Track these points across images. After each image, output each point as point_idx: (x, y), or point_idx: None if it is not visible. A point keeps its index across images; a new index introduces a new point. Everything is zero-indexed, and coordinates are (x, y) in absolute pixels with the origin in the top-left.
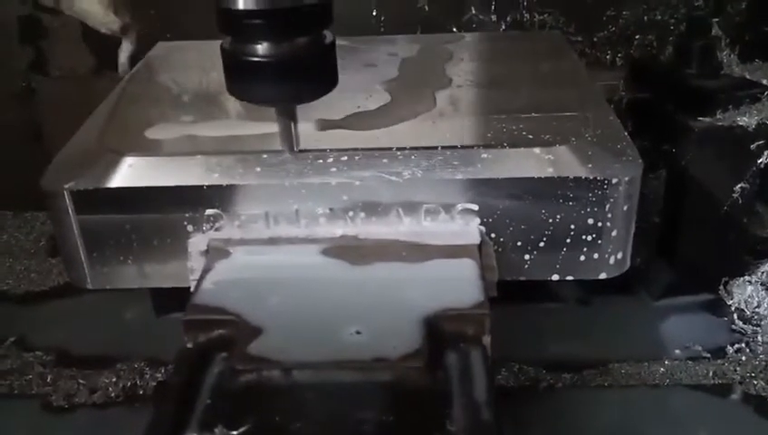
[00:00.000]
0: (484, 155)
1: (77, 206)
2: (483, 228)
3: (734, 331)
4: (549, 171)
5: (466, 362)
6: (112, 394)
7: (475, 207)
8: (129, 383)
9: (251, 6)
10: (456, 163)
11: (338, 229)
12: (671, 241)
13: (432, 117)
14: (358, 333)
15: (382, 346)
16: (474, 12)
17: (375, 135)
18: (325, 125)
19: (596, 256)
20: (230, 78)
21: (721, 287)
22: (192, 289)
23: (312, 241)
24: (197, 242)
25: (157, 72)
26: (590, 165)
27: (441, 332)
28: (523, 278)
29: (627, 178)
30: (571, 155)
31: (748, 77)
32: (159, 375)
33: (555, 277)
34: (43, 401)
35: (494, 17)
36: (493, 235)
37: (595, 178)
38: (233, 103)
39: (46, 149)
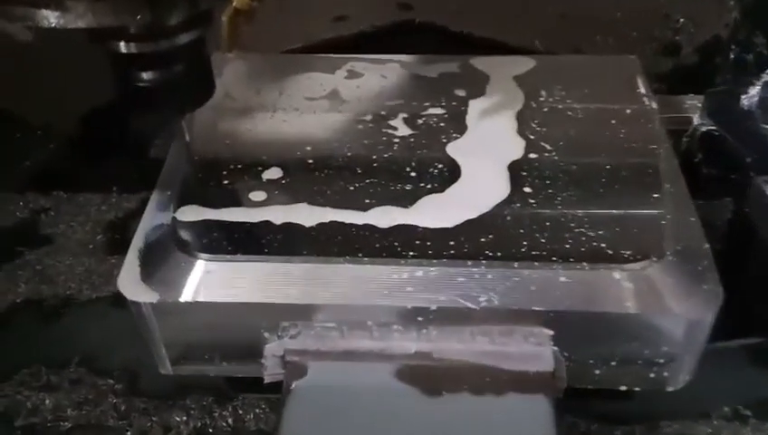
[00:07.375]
0: (563, 278)
1: (156, 312)
2: (556, 348)
3: None
4: (626, 306)
5: None
6: (184, 433)
7: (550, 332)
8: (199, 423)
9: None
10: (533, 288)
11: (412, 345)
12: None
13: (506, 208)
14: None
15: None
16: None
17: (447, 232)
18: (398, 214)
19: (666, 374)
20: None
21: None
22: (265, 380)
23: (386, 358)
24: (273, 348)
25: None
26: (670, 298)
27: None
28: (590, 387)
29: (707, 317)
30: (650, 284)
31: None
32: (227, 413)
33: (623, 388)
34: None
35: None
36: (566, 353)
37: (673, 314)
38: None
39: None
